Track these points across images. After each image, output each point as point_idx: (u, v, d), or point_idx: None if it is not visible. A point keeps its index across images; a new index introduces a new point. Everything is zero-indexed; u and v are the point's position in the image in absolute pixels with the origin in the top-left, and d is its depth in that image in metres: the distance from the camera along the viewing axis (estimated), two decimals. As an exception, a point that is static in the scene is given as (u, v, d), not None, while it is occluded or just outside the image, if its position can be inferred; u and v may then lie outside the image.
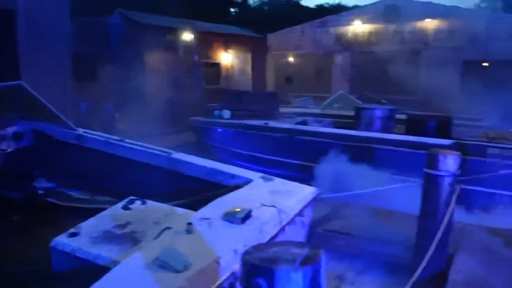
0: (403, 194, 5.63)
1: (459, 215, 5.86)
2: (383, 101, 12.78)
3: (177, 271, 2.39)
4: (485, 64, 14.86)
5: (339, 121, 9.00)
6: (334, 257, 5.02)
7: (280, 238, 3.19)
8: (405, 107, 12.75)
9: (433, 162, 3.97)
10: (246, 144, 7.75)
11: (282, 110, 10.98)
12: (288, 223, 3.27)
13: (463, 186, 6.30)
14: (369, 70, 15.12)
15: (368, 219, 5.50)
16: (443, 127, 6.96)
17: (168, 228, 2.97)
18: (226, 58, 16.50)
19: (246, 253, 1.57)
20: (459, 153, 3.99)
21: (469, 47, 13.18)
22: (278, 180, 3.80)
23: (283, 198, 3.38)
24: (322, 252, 1.58)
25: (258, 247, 1.62)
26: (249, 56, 16.83)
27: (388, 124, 7.26)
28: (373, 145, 6.66)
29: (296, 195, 3.49)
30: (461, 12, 14.32)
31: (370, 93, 12.92)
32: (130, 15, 15.43)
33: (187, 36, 15.58)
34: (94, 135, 5.03)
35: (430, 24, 14.38)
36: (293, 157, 6.69)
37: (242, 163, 7.83)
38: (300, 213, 3.46)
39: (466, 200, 6.11)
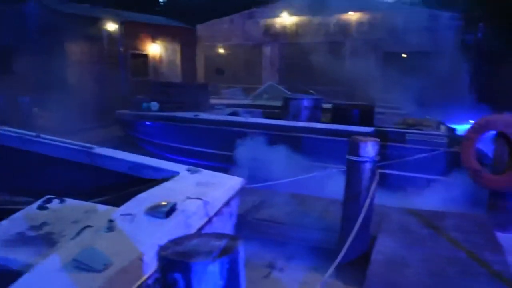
0: (329, 181, 5.84)
1: (381, 199, 6.19)
2: (311, 91, 13.11)
3: (97, 271, 2.29)
4: (404, 55, 15.73)
5: (269, 112, 9.11)
6: (264, 245, 5.11)
7: (207, 230, 3.16)
8: (332, 97, 13.25)
9: (354, 149, 4.14)
10: (175, 136, 7.61)
11: (212, 101, 10.91)
12: (215, 215, 3.25)
13: (384, 171, 6.69)
14: (297, 61, 15.45)
15: (296, 207, 5.65)
16: (365, 116, 7.30)
17: (88, 226, 2.82)
18: (155, 49, 16.05)
19: (162, 248, 1.52)
20: (378, 139, 4.20)
21: (388, 39, 13.87)
22: (205, 172, 3.76)
23: (209, 190, 3.34)
24: (240, 242, 1.58)
25: (175, 241, 1.58)
26: (178, 47, 16.51)
27: (315, 113, 7.48)
28: (301, 134, 6.82)
29: (222, 186, 3.47)
30: (381, 5, 15.07)
31: (298, 84, 13.22)
32: (49, 3, 14.48)
33: (112, 26, 14.95)
34: (6, 131, 4.67)
35: (352, 16, 15.00)
36: (224, 149, 6.69)
37: (172, 156, 7.69)
38: (227, 204, 3.45)
39: (387, 184, 6.47)
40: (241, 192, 3.70)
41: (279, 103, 8.64)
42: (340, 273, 4.38)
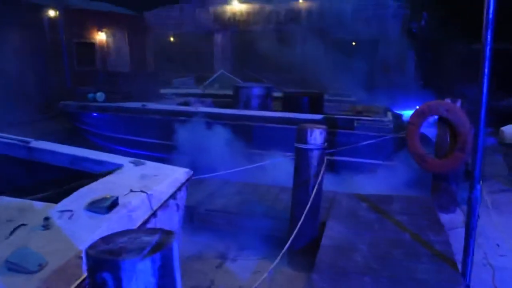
0: (280, 168, 5.86)
1: (331, 185, 6.30)
2: (264, 80, 13.08)
3: (31, 272, 2.16)
4: (353, 43, 16.04)
5: (220, 101, 9.02)
6: (217, 236, 5.07)
7: (152, 224, 3.07)
8: (283, 85, 13.31)
9: (302, 136, 4.15)
10: (122, 128, 7.37)
11: (163, 91, 10.67)
12: (160, 208, 3.16)
13: (334, 157, 6.81)
14: (249, 49, 15.38)
15: (247, 196, 5.63)
16: (315, 103, 7.37)
17: (22, 225, 2.66)
18: (102, 37, 15.43)
19: (90, 246, 1.43)
20: (326, 126, 4.23)
21: (337, 27, 14.06)
22: (150, 164, 3.65)
23: (154, 183, 3.24)
24: (174, 237, 1.51)
25: (105, 239, 1.49)
26: (126, 35, 15.95)
27: (265, 102, 7.47)
28: (251, 123, 6.79)
29: (168, 178, 3.38)
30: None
31: (250, 72, 13.17)
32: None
33: (53, 13, 14.20)
34: None
35: (302, 4, 15.10)
36: (173, 139, 6.54)
37: (119, 148, 7.46)
38: (173, 196, 3.36)
39: (337, 170, 6.59)
40: (188, 184, 3.62)
41: (230, 92, 8.57)
42: (291, 260, 4.42)
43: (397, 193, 5.71)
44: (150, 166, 3.60)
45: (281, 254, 3.58)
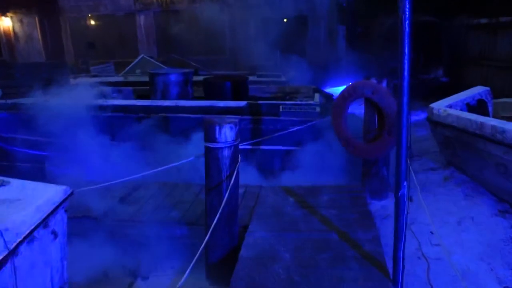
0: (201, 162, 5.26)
1: (256, 179, 5.83)
2: (192, 63, 12.35)
3: None
4: (285, 20, 15.55)
5: (140, 89, 8.20)
6: (126, 251, 4.43)
7: (10, 265, 2.41)
8: (213, 67, 12.66)
9: (210, 133, 3.59)
10: (20, 128, 6.43)
11: (76, 81, 9.66)
12: (23, 243, 2.49)
13: (260, 147, 6.32)
14: (175, 30, 14.44)
15: (163, 199, 5.01)
16: (239, 88, 6.79)
17: None
18: (6, 23, 13.80)
19: None
20: (237, 119, 3.68)
21: (266, 5, 13.52)
22: (15, 184, 2.92)
23: (13, 210, 2.55)
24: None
25: None
26: (36, 20, 14.41)
27: (185, 89, 6.79)
28: (167, 114, 6.10)
29: (35, 202, 2.69)
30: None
31: (176, 55, 12.35)
32: None
33: None
34: None
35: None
36: (78, 139, 5.73)
37: (20, 150, 6.55)
38: (44, 224, 2.69)
39: (262, 160, 6.12)
40: (68, 204, 2.95)
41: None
42: (210, 274, 3.90)
43: (327, 182, 5.34)
44: (14, 187, 2.88)
45: (188, 269, 3.07)
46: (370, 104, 5.00)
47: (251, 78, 9.58)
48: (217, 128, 3.54)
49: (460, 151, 5.52)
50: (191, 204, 4.86)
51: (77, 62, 13.42)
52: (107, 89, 8.63)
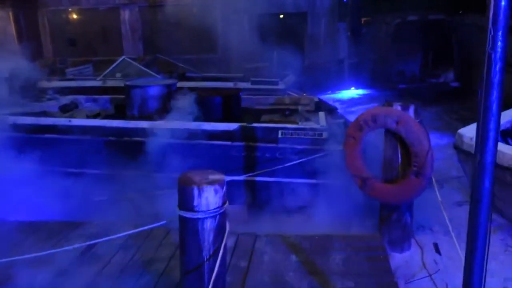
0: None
1: (253, 221, 4.85)
2: (181, 64, 11.33)
3: None
4: (281, 16, 14.50)
5: (118, 98, 7.14)
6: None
7: None
8: (204, 67, 11.60)
9: (185, 199, 2.58)
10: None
11: (45, 85, 8.59)
12: None
13: (255, 179, 5.32)
14: (163, 27, 13.31)
15: (132, 255, 3.98)
16: (230, 105, 5.76)
17: None
18: (-23, 18, 12.57)
19: None
20: (223, 178, 2.67)
21: (262, 0, 12.44)
22: None
23: None
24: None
25: None
26: (11, 13, 13.20)
27: (166, 104, 5.71)
28: (141, 139, 5.03)
29: None
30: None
31: (162, 56, 11.25)
32: None
33: None
34: None
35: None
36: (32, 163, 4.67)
37: None
38: None
39: (259, 196, 5.13)
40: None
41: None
42: None
43: (338, 229, 4.37)
44: None
45: None
46: (393, 137, 4.01)
47: (244, 85, 8.61)
48: (196, 191, 2.53)
49: (498, 189, 4.55)
50: (167, 263, 3.85)
51: (55, 62, 12.25)
52: (79, 97, 7.60)
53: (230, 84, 8.76)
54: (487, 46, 1.92)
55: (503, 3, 1.90)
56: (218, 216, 2.63)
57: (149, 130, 5.07)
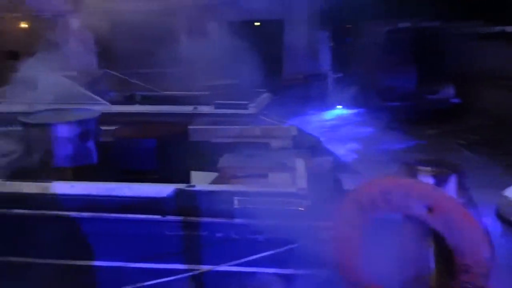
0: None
1: None
2: (134, 81, 9.82)
3: None
4: (257, 23, 13.06)
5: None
6: None
7: None
8: (162, 83, 10.06)
9: None
10: None
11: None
12: None
13: (201, 267, 3.62)
14: (118, 37, 11.68)
15: None
16: (170, 151, 4.02)
17: None
18: None
19: None
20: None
21: (232, 5, 11.01)
22: None
23: None
24: None
25: None
26: None
27: (84, 150, 3.95)
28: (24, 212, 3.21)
29: None
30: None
31: (111, 71, 9.56)
32: None
33: None
34: None
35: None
36: None
37: None
38: None
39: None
40: None
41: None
42: None
43: None
44: None
45: None
46: (420, 230, 2.34)
47: (206, 109, 7.02)
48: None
49: None
50: None
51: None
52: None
53: (189, 109, 7.19)
54: None
55: None
56: None
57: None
